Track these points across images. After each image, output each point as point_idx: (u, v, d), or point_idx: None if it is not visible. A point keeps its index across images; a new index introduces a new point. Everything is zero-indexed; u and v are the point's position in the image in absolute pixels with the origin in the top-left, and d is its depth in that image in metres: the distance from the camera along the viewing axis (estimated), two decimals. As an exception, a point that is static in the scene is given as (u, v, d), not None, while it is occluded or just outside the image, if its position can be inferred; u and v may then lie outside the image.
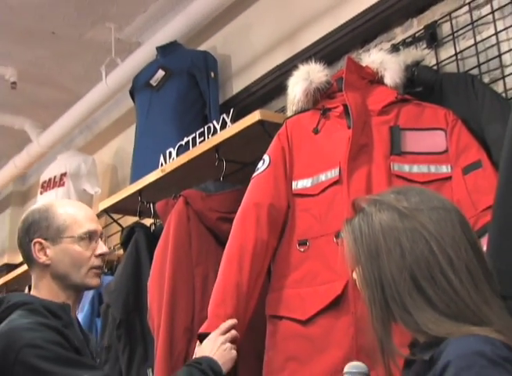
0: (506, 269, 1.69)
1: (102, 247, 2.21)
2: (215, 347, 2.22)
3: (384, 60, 2.61)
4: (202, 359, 2.19)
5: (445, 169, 2.35)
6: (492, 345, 1.36)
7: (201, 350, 2.26)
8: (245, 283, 2.38)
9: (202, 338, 2.31)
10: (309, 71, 2.65)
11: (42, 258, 2.15)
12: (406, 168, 2.36)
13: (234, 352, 2.25)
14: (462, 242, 1.50)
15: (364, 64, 2.65)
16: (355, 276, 1.62)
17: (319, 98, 2.63)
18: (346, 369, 1.73)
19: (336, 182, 2.39)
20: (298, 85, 2.64)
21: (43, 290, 2.16)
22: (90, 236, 2.19)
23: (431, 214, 1.52)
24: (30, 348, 1.91)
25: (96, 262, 2.19)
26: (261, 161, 2.57)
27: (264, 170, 2.53)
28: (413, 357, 1.51)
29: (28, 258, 2.19)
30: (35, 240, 2.15)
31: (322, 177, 2.44)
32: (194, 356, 2.29)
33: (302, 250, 2.41)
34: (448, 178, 2.33)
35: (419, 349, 1.50)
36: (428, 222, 1.51)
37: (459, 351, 1.36)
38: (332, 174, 2.42)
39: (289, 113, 2.70)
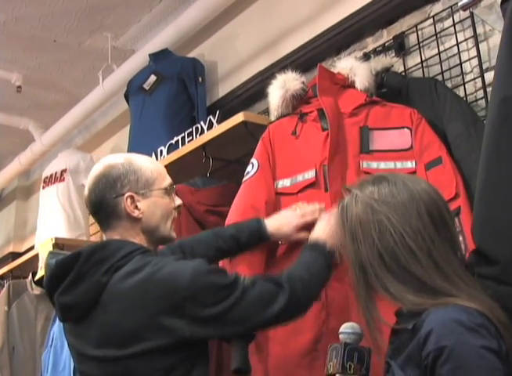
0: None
1: (178, 200, 2.05)
2: (328, 226, 2.13)
3: (353, 66, 2.61)
4: (314, 242, 2.10)
5: (410, 165, 2.34)
6: (468, 313, 1.40)
7: (315, 230, 2.19)
8: None
9: None
10: (285, 80, 2.66)
11: (136, 212, 1.93)
12: (374, 164, 2.37)
13: None
14: (426, 232, 1.51)
15: (336, 71, 2.66)
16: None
17: (297, 103, 2.64)
18: (341, 329, 1.72)
19: (312, 183, 2.40)
20: (276, 93, 2.66)
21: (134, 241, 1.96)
22: (172, 189, 2.03)
23: (397, 207, 1.54)
24: (200, 274, 1.80)
25: (176, 214, 2.04)
26: (250, 165, 2.56)
27: (255, 173, 2.51)
28: (397, 326, 1.53)
29: (113, 215, 1.95)
30: (127, 194, 1.92)
31: (300, 177, 2.45)
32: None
33: (282, 243, 2.40)
34: (413, 173, 2.34)
35: (403, 319, 1.52)
36: (393, 215, 1.53)
37: (439, 319, 1.39)
38: (309, 175, 2.42)
39: (272, 118, 2.70)
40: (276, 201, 2.48)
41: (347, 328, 1.71)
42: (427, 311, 1.43)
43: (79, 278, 1.83)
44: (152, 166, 2.02)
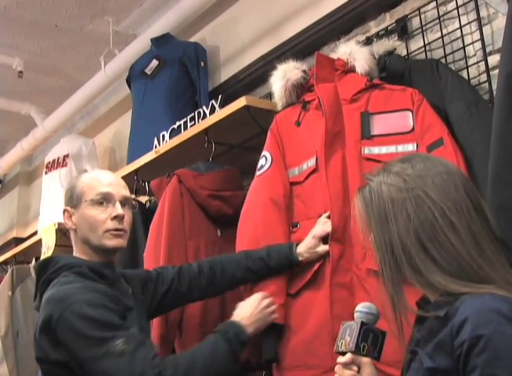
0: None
1: (117, 210, 2.12)
2: (257, 309, 2.21)
3: (352, 51, 2.59)
4: (231, 326, 2.14)
5: (411, 147, 2.30)
6: (508, 303, 1.32)
7: (241, 309, 2.24)
8: (287, 275, 2.39)
9: None
10: (285, 70, 2.68)
11: (69, 224, 2.16)
12: (376, 150, 2.35)
13: (273, 316, 2.25)
14: (465, 204, 1.45)
15: (336, 56, 2.65)
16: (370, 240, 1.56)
17: (300, 92, 2.65)
18: (358, 308, 1.65)
19: (314, 170, 2.41)
20: (277, 84, 2.68)
21: (79, 252, 2.16)
22: (105, 199, 2.12)
23: (435, 179, 1.47)
24: (73, 310, 1.91)
25: (111, 224, 2.10)
26: (263, 158, 2.57)
27: (269, 167, 2.53)
28: (427, 314, 1.46)
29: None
30: (64, 208, 2.18)
31: (305, 166, 2.47)
32: (233, 313, 2.26)
33: (294, 231, 2.44)
34: None
35: (432, 306, 1.45)
36: (431, 188, 1.46)
37: (476, 308, 1.32)
38: (311, 163, 2.43)
39: (278, 107, 2.71)
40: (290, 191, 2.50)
41: (364, 307, 1.65)
42: (462, 298, 1.36)
43: (41, 286, 2.10)
44: (88, 179, 2.19)
